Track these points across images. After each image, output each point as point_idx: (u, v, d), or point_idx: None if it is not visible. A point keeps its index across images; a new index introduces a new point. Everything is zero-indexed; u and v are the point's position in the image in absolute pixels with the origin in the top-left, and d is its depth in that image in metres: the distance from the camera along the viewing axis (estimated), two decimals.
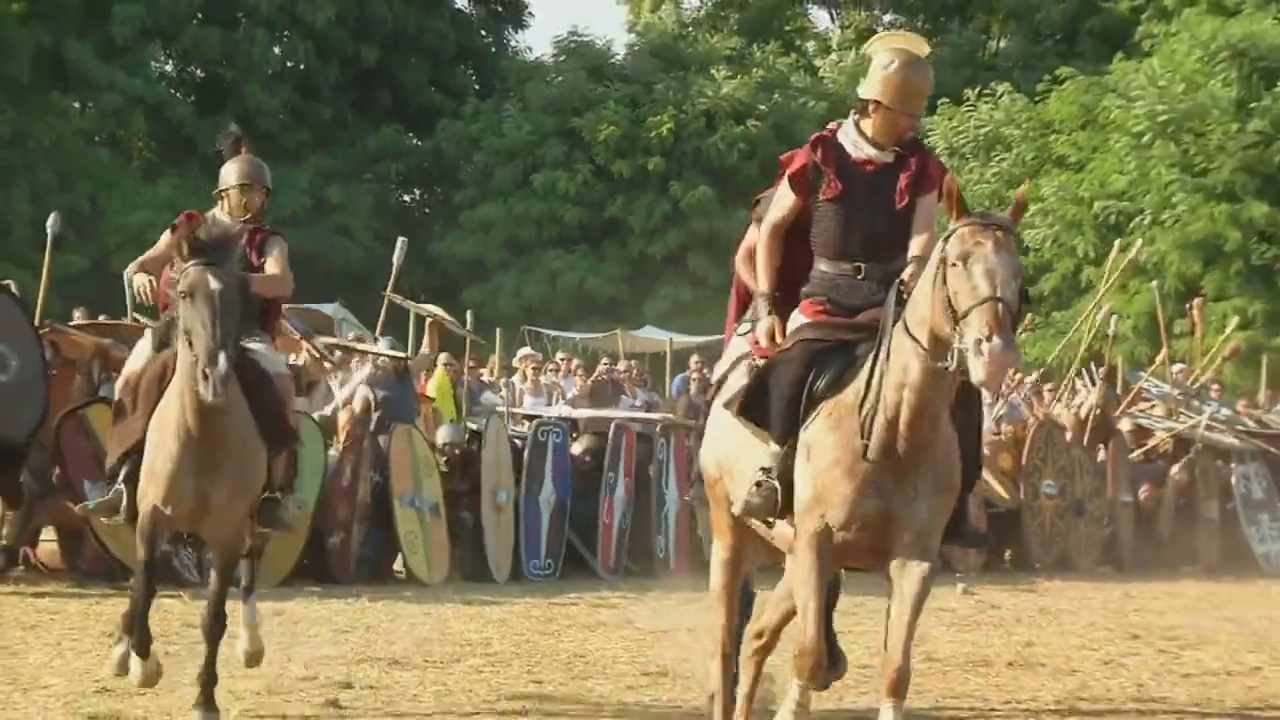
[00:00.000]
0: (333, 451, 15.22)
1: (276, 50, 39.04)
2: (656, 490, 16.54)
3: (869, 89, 7.20)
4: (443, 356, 18.00)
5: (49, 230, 15.74)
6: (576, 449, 16.72)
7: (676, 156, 36.90)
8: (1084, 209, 32.30)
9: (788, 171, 7.34)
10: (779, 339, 7.30)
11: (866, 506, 6.80)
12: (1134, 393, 20.62)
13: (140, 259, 9.33)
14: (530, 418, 17.11)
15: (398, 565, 15.75)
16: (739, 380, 7.56)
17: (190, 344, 7.97)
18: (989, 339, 6.24)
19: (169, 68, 39.97)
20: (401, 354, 16.55)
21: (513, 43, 44.34)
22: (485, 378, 19.11)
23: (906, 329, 6.67)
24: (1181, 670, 11.18)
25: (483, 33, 43.49)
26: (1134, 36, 37.96)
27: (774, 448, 7.08)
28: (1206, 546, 19.64)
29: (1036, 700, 9.82)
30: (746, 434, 7.31)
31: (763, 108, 37.65)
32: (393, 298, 17.03)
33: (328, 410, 15.70)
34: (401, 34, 39.83)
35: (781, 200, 7.45)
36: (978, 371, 6.29)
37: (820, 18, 48.57)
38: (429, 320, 17.24)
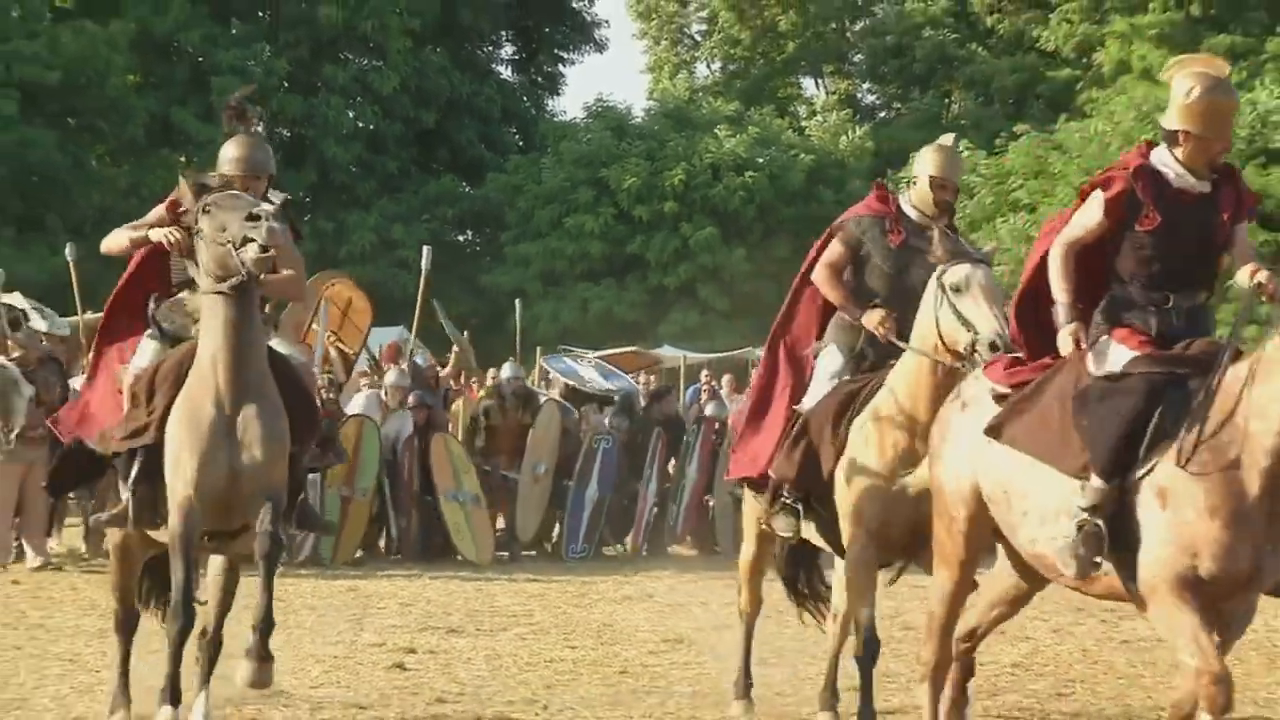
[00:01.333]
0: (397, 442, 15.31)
1: (350, 114, 39.09)
2: (680, 469, 16.51)
3: (1174, 120, 6.06)
4: (491, 371, 18.13)
5: (68, 257, 15.98)
6: (611, 418, 16.83)
7: (687, 202, 36.85)
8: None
9: (1105, 195, 6.20)
10: (1083, 344, 6.16)
11: (1242, 559, 5.65)
12: None
13: (130, 225, 7.57)
14: (573, 391, 17.26)
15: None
16: (988, 407, 6.42)
17: (225, 228, 6.49)
18: None
19: (259, 128, 40.01)
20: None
21: (550, 107, 44.46)
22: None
23: None
24: (1120, 637, 11.10)
25: (524, 99, 43.58)
26: (1077, 101, 37.91)
27: (1097, 483, 5.85)
28: None
29: (997, 662, 9.75)
30: (1032, 462, 6.13)
31: (760, 161, 37.61)
32: (437, 308, 17.15)
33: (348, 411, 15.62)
34: (456, 100, 39.90)
35: (1086, 220, 6.30)
36: None
37: (808, 85, 48.64)
38: (454, 350, 17.65)
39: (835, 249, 7.85)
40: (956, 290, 7.12)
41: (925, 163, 7.90)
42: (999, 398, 6.44)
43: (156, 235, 7.19)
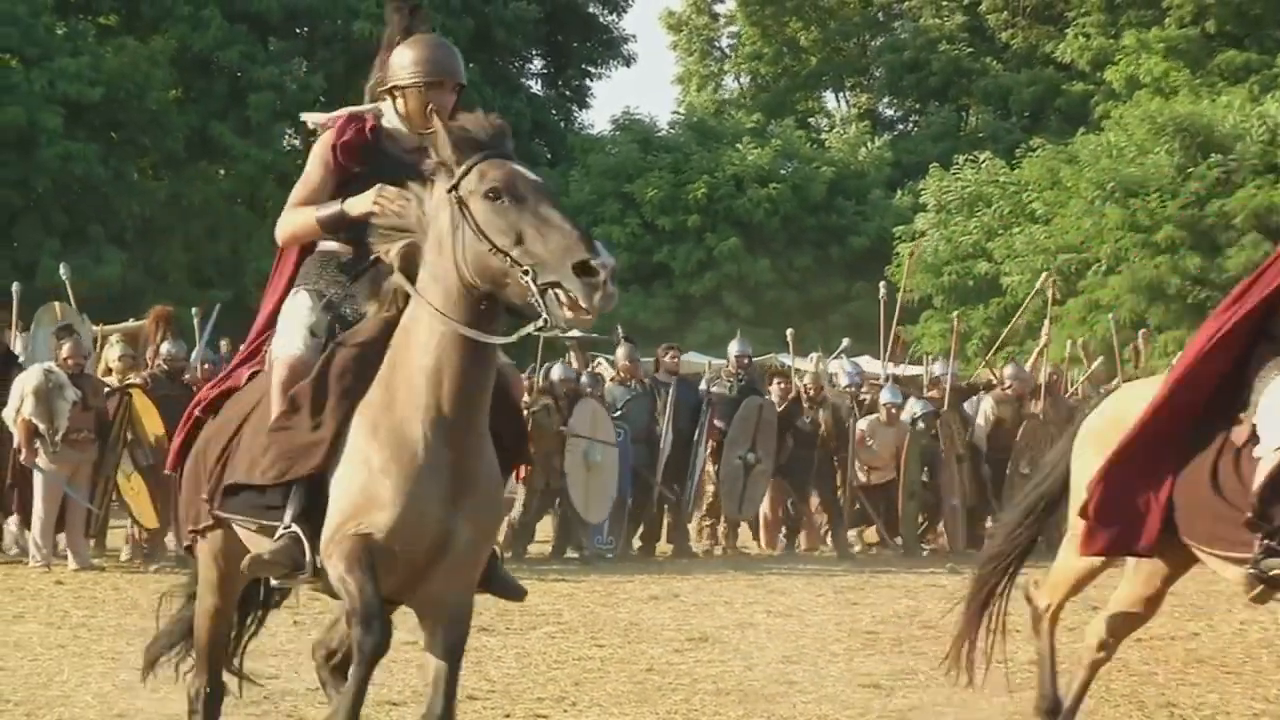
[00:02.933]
0: None
1: None
2: (693, 451, 16.48)
3: None
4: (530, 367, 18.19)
5: (63, 277, 16.19)
6: (621, 352, 16.83)
7: (711, 213, 36.90)
8: (1050, 257, 32.11)
9: None
10: None
11: None
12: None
13: (297, 199, 5.32)
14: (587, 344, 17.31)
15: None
16: None
17: (521, 241, 4.46)
18: None
19: (296, 142, 40.20)
20: None
21: (578, 121, 44.55)
22: None
23: None
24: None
25: (554, 112, 43.67)
26: (1093, 114, 37.87)
27: None
28: None
29: (1012, 660, 9.65)
30: None
31: (782, 172, 37.65)
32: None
33: None
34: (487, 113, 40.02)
35: None
36: None
37: (829, 99, 48.70)
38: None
39: None
40: None
41: None
42: None
43: (360, 207, 5.05)
